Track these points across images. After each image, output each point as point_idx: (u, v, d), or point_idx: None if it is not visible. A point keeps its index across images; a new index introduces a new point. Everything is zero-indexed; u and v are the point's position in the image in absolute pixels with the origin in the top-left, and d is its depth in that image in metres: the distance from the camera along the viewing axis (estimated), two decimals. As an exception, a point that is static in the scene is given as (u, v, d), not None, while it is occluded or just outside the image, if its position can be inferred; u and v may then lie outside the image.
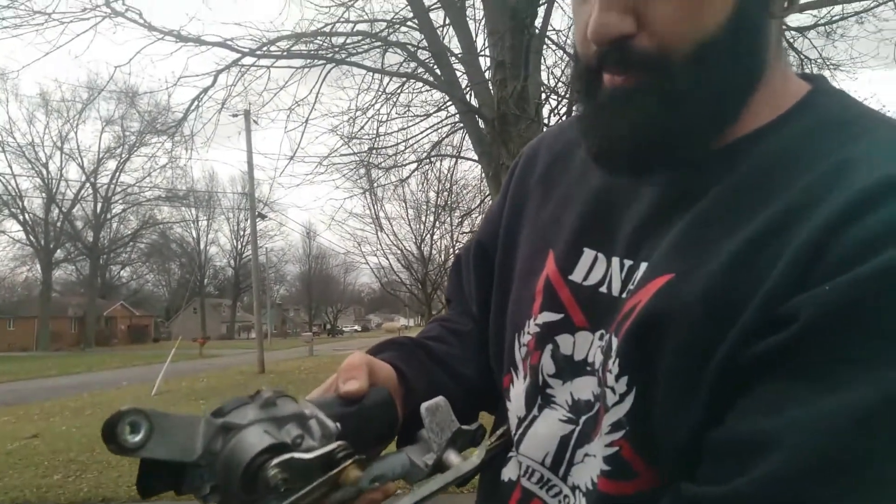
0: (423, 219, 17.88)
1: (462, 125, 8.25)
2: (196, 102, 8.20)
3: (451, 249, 17.11)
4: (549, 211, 0.70)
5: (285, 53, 7.51)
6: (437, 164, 11.37)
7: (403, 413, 0.63)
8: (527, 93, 6.22)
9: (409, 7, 7.58)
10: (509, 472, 0.66)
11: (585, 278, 0.62)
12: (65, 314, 42.49)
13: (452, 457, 0.61)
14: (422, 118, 8.63)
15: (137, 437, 0.44)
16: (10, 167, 36.39)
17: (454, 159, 10.37)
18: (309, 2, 8.11)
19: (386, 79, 7.96)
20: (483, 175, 8.84)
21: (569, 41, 7.14)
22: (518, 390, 0.66)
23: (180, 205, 43.54)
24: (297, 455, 0.49)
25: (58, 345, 38.48)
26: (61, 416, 9.53)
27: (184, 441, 0.48)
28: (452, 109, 8.14)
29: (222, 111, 8.48)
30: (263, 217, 22.53)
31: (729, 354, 0.46)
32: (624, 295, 0.57)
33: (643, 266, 0.56)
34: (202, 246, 48.54)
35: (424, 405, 0.62)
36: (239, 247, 48.28)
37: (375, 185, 11.24)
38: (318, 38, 7.66)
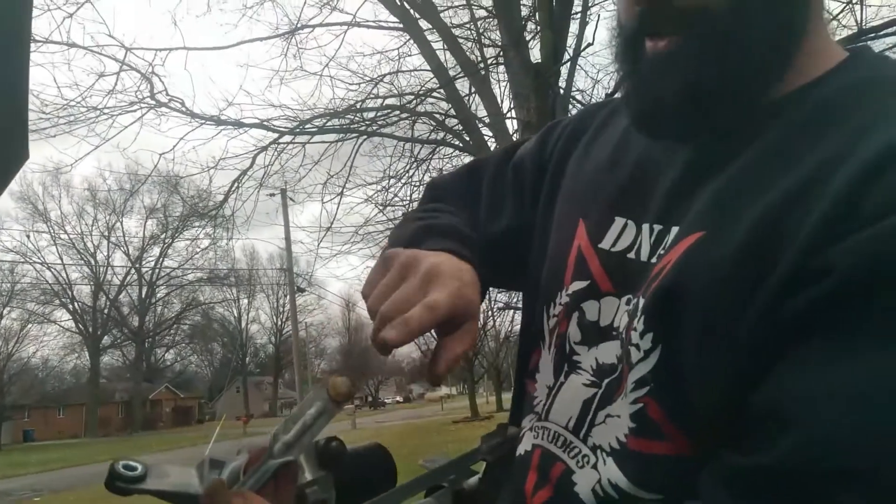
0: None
1: (493, 187, 8.37)
2: (237, 184, 8.52)
3: (489, 312, 17.01)
4: (585, 180, 0.70)
5: (319, 130, 7.83)
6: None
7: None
8: (555, 149, 6.27)
9: (434, 79, 7.88)
10: (525, 446, 0.66)
11: (614, 245, 0.62)
12: (112, 399, 43.08)
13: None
14: (454, 182, 8.80)
15: (135, 473, 0.47)
16: (62, 259, 37.92)
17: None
18: (339, 81, 8.52)
19: (417, 147, 8.20)
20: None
21: (593, 100, 7.29)
22: (545, 360, 0.66)
23: (222, 284, 44.49)
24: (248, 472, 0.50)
25: (105, 430, 38.84)
26: (110, 499, 9.52)
27: (182, 479, 0.50)
28: (483, 172, 8.29)
29: (260, 190, 8.78)
30: (302, 291, 22.86)
31: (761, 313, 0.44)
32: (654, 259, 0.56)
33: (674, 230, 0.55)
34: (243, 324, 49.21)
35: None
36: (279, 323, 48.80)
37: (411, 251, 11.35)
38: (350, 114, 7.98)
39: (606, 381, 0.58)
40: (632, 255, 0.59)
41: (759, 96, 0.54)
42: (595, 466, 0.56)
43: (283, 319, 47.55)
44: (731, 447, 0.45)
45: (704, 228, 0.51)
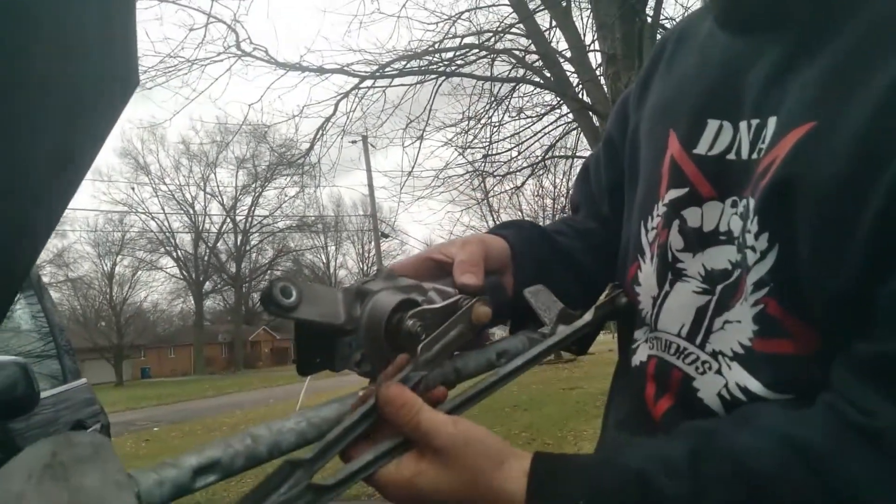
0: (542, 226, 17.72)
1: (575, 126, 8.17)
2: (321, 132, 8.70)
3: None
4: (670, 92, 0.69)
5: (399, 73, 7.82)
6: (552, 170, 11.28)
7: (513, 293, 0.68)
8: (642, 82, 6.01)
9: (514, 14, 7.64)
10: (640, 356, 0.66)
11: (710, 148, 0.60)
12: (216, 340, 46.29)
13: (563, 328, 0.65)
14: (535, 119, 8.63)
15: (291, 299, 0.50)
16: (163, 209, 40.38)
17: (569, 164, 10.25)
18: (417, 21, 8.43)
19: (496, 86, 8.06)
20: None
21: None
22: (647, 272, 0.66)
23: (310, 232, 46.11)
24: (427, 306, 0.55)
25: (211, 368, 41.88)
26: (220, 430, 10.38)
27: (329, 307, 0.54)
28: (565, 109, 8.08)
29: (343, 137, 8.94)
30: (386, 236, 23.40)
31: (886, 201, 0.43)
32: (755, 155, 0.55)
33: (772, 121, 0.53)
34: (332, 270, 51.02)
35: (527, 290, 0.67)
36: (365, 268, 50.24)
37: (490, 194, 11.33)
38: (428, 55, 7.91)
39: (720, 286, 0.58)
40: (731, 155, 0.58)
41: None
42: (719, 372, 0.56)
43: (369, 265, 48.92)
44: (861, 337, 0.45)
45: (816, 118, 0.49)
